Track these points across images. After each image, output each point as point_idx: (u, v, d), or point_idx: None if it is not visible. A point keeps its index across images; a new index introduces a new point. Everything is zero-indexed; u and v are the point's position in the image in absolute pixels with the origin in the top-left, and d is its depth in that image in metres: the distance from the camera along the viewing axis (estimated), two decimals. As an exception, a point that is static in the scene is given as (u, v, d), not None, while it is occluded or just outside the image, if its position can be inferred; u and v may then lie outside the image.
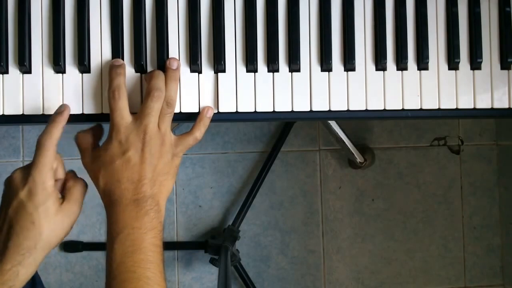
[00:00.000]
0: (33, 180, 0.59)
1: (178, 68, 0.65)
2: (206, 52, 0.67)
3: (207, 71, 0.67)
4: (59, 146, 0.61)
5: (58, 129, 0.61)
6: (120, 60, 0.65)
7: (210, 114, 0.66)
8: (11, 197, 0.59)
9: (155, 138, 0.61)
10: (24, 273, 0.58)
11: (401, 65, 0.68)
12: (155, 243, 0.60)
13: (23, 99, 0.65)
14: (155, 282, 0.58)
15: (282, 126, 1.35)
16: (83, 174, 0.65)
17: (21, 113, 0.65)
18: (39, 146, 0.60)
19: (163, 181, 0.62)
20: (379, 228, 1.40)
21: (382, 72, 0.68)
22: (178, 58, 0.66)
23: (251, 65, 0.66)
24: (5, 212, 0.59)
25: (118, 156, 0.60)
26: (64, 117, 0.62)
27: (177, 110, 0.66)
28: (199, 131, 0.65)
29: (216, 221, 1.36)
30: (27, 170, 0.60)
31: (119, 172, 0.60)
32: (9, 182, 0.61)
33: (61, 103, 0.65)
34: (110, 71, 0.63)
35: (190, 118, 0.66)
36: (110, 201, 0.61)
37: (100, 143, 0.64)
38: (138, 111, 0.62)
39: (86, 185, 0.65)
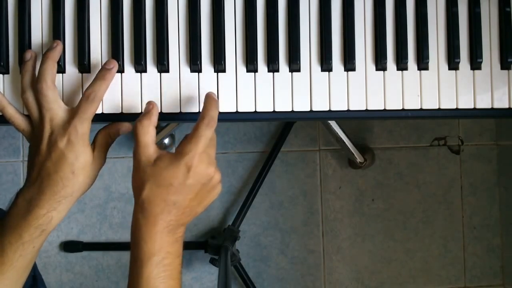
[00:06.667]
0: (75, 130, 0.59)
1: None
2: (206, 52, 0.67)
3: (207, 71, 0.67)
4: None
5: (107, 85, 0.62)
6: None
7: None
8: (48, 145, 0.59)
9: (219, 177, 0.61)
10: (56, 219, 0.60)
11: (401, 65, 0.68)
12: (180, 270, 0.61)
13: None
14: None
15: (282, 126, 1.35)
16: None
17: (21, 112, 0.65)
18: (89, 96, 0.60)
19: (198, 211, 0.62)
20: (379, 228, 1.40)
21: (382, 72, 0.68)
22: (178, 58, 0.66)
23: (251, 65, 0.66)
24: (43, 160, 0.59)
25: (178, 180, 0.58)
26: (113, 75, 0.63)
27: (177, 111, 0.66)
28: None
29: (216, 221, 1.36)
30: (65, 119, 0.60)
31: (170, 194, 0.58)
32: (40, 128, 0.60)
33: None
34: (213, 107, 0.61)
35: (190, 119, 0.66)
36: (146, 216, 0.58)
37: None
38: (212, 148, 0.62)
39: (112, 139, 0.65)
